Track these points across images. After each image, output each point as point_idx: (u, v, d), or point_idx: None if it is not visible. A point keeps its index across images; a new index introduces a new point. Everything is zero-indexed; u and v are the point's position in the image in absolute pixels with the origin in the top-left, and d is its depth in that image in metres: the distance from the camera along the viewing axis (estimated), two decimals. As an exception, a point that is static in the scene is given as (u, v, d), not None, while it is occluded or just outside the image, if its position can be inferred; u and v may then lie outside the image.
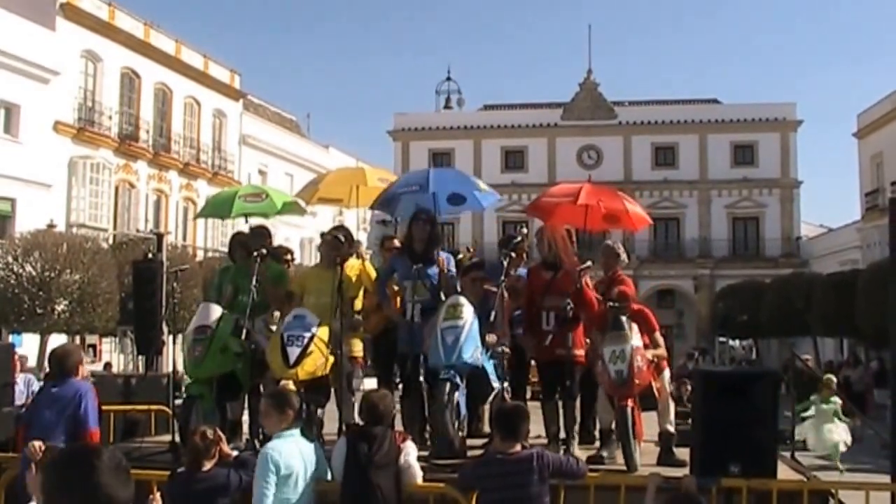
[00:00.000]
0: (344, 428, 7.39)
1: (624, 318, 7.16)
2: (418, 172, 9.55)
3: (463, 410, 7.30)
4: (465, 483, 5.75)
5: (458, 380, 7.07)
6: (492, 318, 7.35)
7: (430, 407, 7.47)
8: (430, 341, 7.19)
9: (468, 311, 7.16)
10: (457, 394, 7.12)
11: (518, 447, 5.53)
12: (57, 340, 19.67)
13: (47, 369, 9.22)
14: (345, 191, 9.78)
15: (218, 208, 9.96)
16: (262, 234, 8.63)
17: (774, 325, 34.32)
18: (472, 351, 7.07)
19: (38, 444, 5.92)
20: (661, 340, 7.83)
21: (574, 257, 7.75)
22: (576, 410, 7.78)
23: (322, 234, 8.40)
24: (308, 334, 7.28)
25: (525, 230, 8.87)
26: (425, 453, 6.97)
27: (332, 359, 7.42)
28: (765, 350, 41.76)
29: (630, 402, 7.12)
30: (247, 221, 9.30)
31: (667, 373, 7.63)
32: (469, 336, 7.05)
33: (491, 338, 7.35)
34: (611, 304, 7.41)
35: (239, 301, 8.13)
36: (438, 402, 7.01)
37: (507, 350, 7.86)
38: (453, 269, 8.04)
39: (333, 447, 6.09)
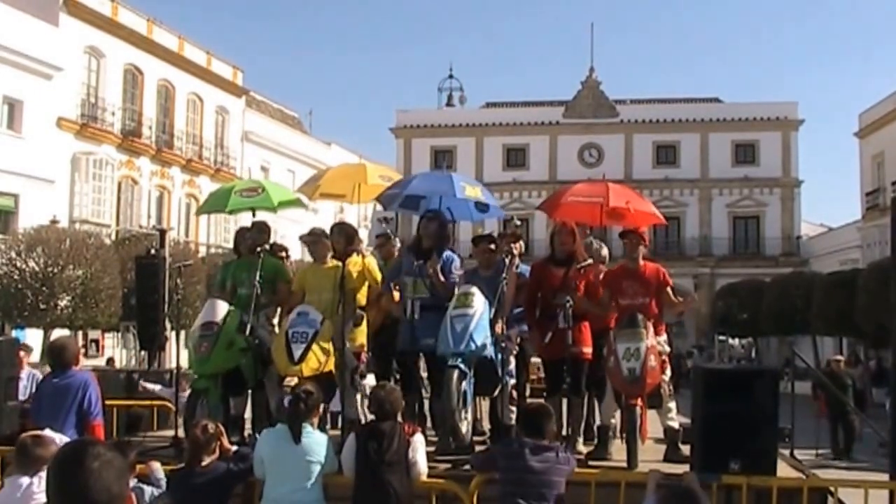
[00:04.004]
0: (348, 424, 7.43)
1: (640, 316, 7.18)
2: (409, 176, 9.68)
3: (470, 400, 7.31)
4: (487, 462, 5.90)
5: (465, 368, 7.06)
6: (496, 304, 7.37)
7: (438, 396, 7.48)
8: (440, 330, 7.20)
9: (479, 301, 7.17)
10: (464, 382, 7.12)
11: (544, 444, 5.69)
12: (60, 335, 19.71)
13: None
14: (347, 186, 9.78)
15: (216, 203, 10.00)
16: (262, 228, 8.69)
17: (774, 324, 34.37)
18: (482, 339, 7.05)
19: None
20: (672, 296, 7.76)
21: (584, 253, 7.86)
22: (583, 408, 7.83)
23: (301, 237, 8.48)
24: (312, 331, 7.33)
25: (518, 223, 8.94)
26: (430, 449, 7.02)
27: (335, 354, 7.46)
28: (764, 349, 41.84)
29: (639, 402, 7.17)
30: (254, 215, 9.33)
31: (668, 371, 7.66)
32: (479, 324, 7.05)
33: (499, 326, 7.32)
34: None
35: (239, 296, 8.21)
36: (446, 389, 6.96)
37: (512, 345, 7.90)
38: (455, 276, 8.01)
39: (340, 442, 6.14)
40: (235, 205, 9.18)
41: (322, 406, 7.81)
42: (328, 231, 8.25)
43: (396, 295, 8.10)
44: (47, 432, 5.50)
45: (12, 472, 4.99)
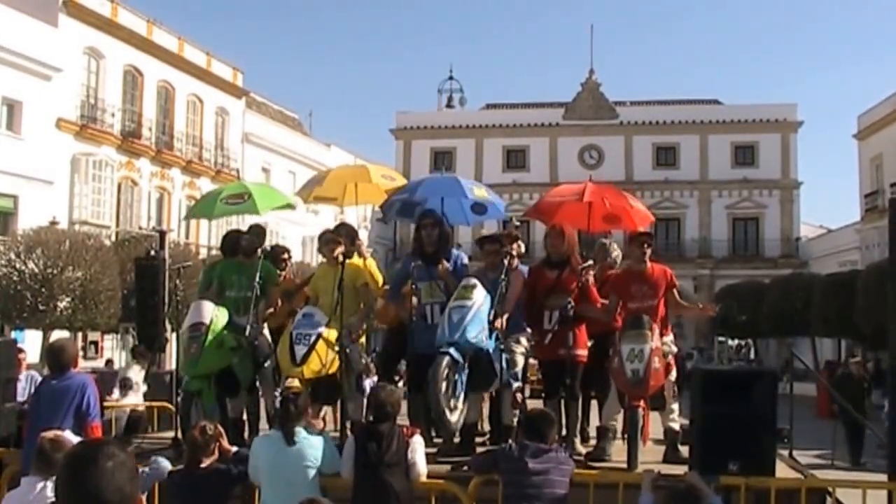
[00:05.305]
0: (349, 426, 7.42)
1: (645, 318, 7.19)
2: (416, 180, 9.59)
3: (461, 391, 7.17)
4: (486, 463, 5.92)
5: (458, 357, 6.98)
6: (497, 298, 7.32)
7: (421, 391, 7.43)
8: (440, 322, 7.18)
9: (479, 293, 7.14)
10: (457, 373, 7.05)
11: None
12: (59, 337, 19.71)
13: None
14: (340, 189, 9.74)
15: (204, 210, 10.04)
16: (259, 232, 8.71)
17: (774, 326, 34.39)
18: (476, 332, 7.00)
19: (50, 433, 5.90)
20: (678, 297, 7.73)
21: (578, 256, 7.85)
22: (578, 409, 7.82)
23: (320, 236, 8.48)
24: (315, 333, 7.33)
25: (517, 223, 8.94)
26: (432, 450, 7.02)
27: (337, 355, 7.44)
28: (764, 350, 41.83)
29: (641, 403, 7.17)
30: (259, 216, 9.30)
31: (673, 373, 7.65)
32: (476, 316, 7.00)
33: (498, 323, 7.30)
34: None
35: (227, 298, 8.21)
36: (433, 374, 6.86)
37: (517, 350, 7.85)
38: (467, 271, 7.96)
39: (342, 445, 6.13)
40: (221, 212, 9.21)
41: (327, 408, 7.88)
42: (321, 235, 8.29)
43: (411, 299, 8.07)
44: (67, 434, 5.52)
45: (11, 473, 5.02)
